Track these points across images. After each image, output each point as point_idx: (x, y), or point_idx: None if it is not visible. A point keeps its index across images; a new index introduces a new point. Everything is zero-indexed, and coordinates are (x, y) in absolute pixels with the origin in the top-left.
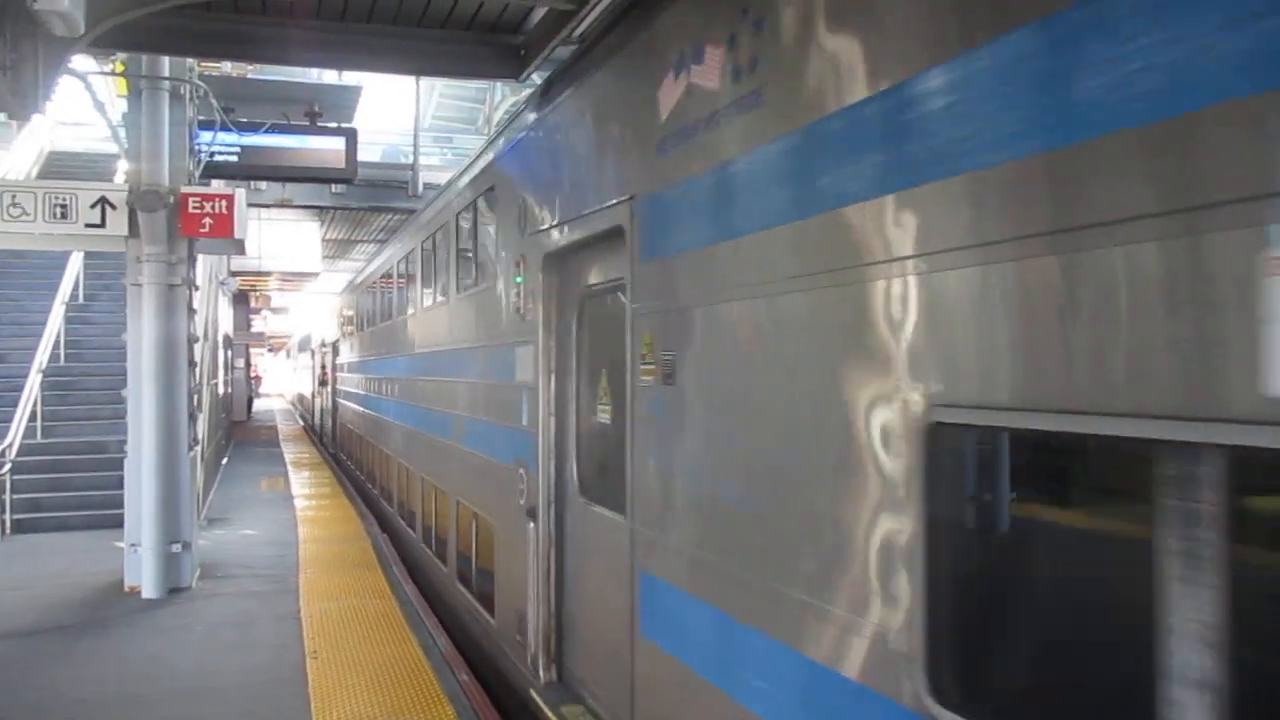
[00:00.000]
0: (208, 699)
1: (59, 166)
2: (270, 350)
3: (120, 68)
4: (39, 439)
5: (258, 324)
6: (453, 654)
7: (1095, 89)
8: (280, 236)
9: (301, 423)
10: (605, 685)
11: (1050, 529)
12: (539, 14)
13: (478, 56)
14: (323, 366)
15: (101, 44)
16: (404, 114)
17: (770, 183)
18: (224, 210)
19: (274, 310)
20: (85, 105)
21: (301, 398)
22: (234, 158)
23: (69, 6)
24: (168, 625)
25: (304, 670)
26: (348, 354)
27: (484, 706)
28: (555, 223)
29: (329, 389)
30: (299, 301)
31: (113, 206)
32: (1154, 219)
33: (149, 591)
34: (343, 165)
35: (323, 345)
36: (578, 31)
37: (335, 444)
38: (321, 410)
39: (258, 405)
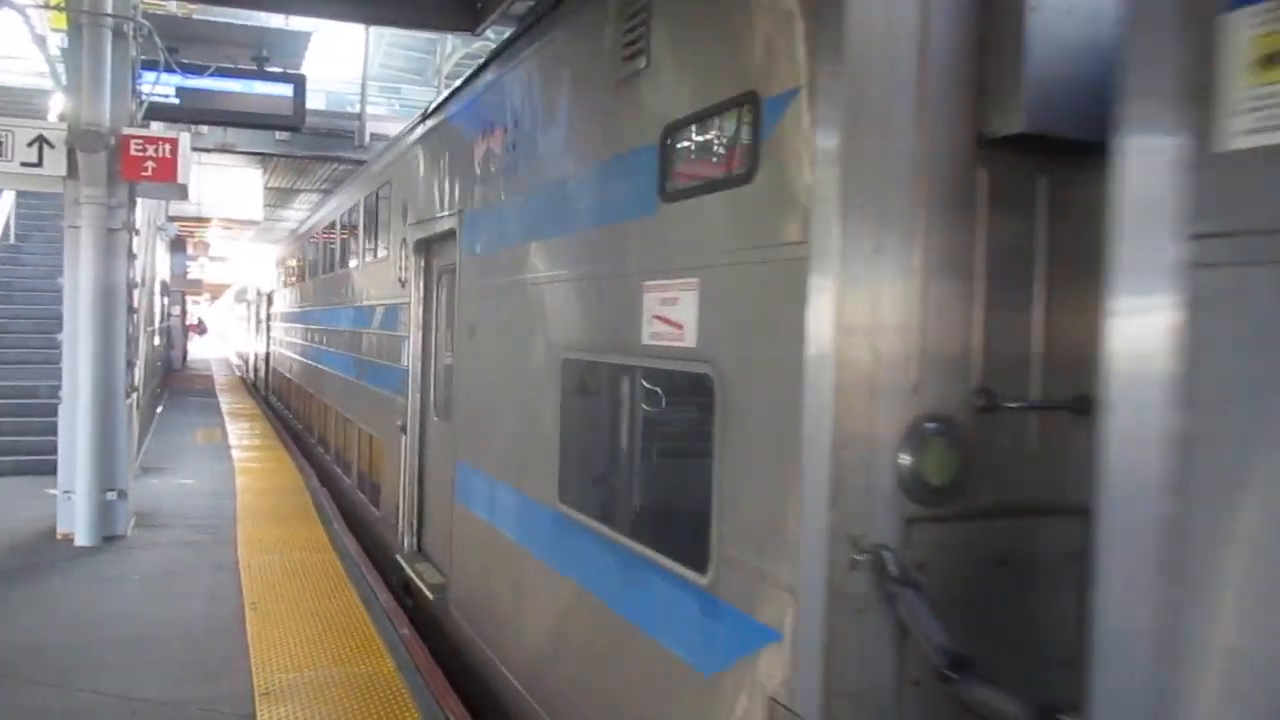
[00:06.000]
0: (146, 647)
1: None
2: (210, 299)
3: (60, 1)
4: None
5: (195, 271)
6: (393, 607)
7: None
8: (221, 182)
9: (239, 373)
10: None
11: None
12: None
13: (431, 7)
14: (260, 317)
15: None
16: (351, 61)
17: None
18: (168, 154)
19: (212, 259)
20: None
21: (242, 351)
22: (177, 100)
23: None
24: (103, 574)
25: (243, 621)
26: (284, 304)
27: (423, 658)
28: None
29: (265, 337)
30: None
31: (51, 146)
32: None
33: (82, 539)
34: (289, 112)
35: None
36: None
37: (269, 389)
38: (257, 357)
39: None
